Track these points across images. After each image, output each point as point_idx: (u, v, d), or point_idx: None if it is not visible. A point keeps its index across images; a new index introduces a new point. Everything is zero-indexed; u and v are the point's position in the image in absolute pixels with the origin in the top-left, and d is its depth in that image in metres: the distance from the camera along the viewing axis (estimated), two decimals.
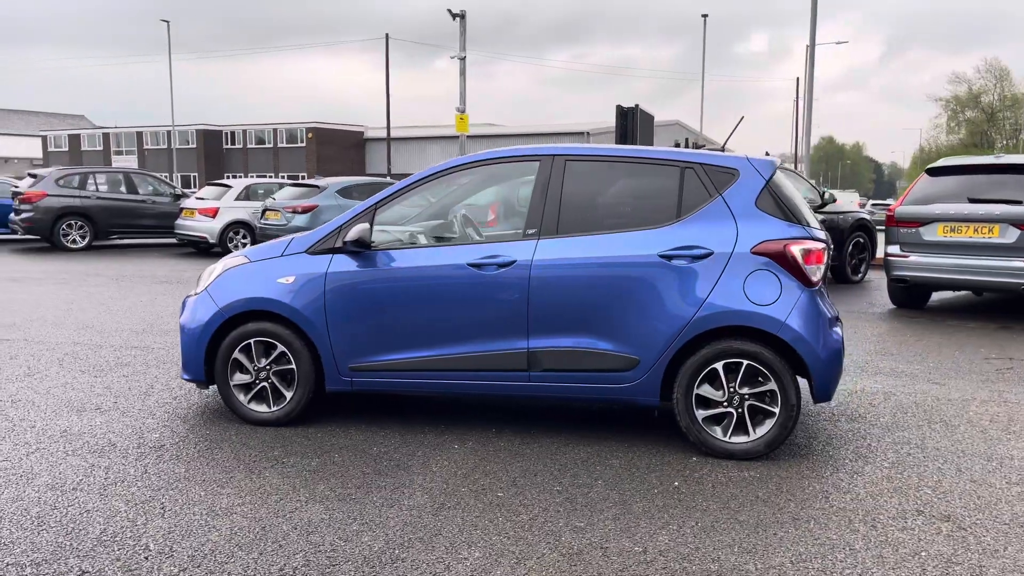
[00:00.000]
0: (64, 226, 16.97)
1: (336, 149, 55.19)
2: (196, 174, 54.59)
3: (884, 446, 4.63)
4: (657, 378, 4.42)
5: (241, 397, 4.88)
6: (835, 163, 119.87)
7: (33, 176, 17.80)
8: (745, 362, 4.32)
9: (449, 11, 21.53)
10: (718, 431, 4.39)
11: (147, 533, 3.38)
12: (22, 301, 9.76)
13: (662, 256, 4.39)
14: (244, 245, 16.06)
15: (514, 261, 4.52)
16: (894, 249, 9.47)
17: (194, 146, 55.90)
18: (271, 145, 55.75)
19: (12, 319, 8.51)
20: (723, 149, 5.13)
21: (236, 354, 4.86)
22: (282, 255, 4.87)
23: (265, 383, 4.85)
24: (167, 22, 45.85)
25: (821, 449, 4.56)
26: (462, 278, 4.59)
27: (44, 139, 64.33)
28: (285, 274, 4.79)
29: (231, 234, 16.33)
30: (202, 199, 17.00)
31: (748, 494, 3.89)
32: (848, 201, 24.36)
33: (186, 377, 5.01)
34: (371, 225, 4.73)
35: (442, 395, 4.94)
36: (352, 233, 4.65)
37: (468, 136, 22.51)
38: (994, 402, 5.57)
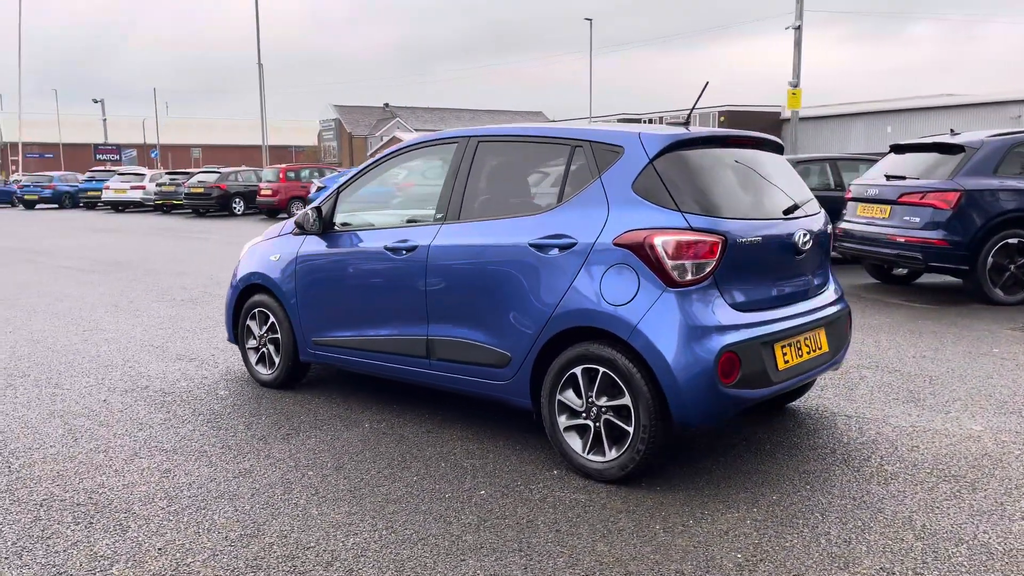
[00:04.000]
0: None
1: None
2: None
3: (815, 496, 3.61)
4: (526, 378, 4.04)
5: (252, 359, 5.58)
6: None
7: None
8: (601, 369, 3.75)
9: None
10: (577, 444, 3.87)
11: (34, 457, 4.21)
12: None
13: (532, 245, 3.99)
14: None
15: (417, 246, 4.48)
16: None
17: None
18: None
19: None
20: (687, 123, 4.32)
21: (248, 321, 5.56)
22: (279, 235, 5.42)
23: (264, 349, 5.48)
24: (590, 20, 49.07)
25: (724, 485, 3.73)
26: (380, 261, 4.67)
27: None
28: (275, 252, 5.34)
29: None
30: None
31: (522, 515, 3.43)
32: None
33: (227, 338, 5.86)
34: (328, 210, 5.02)
35: (371, 375, 5.06)
36: (297, 216, 5.04)
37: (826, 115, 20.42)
38: None
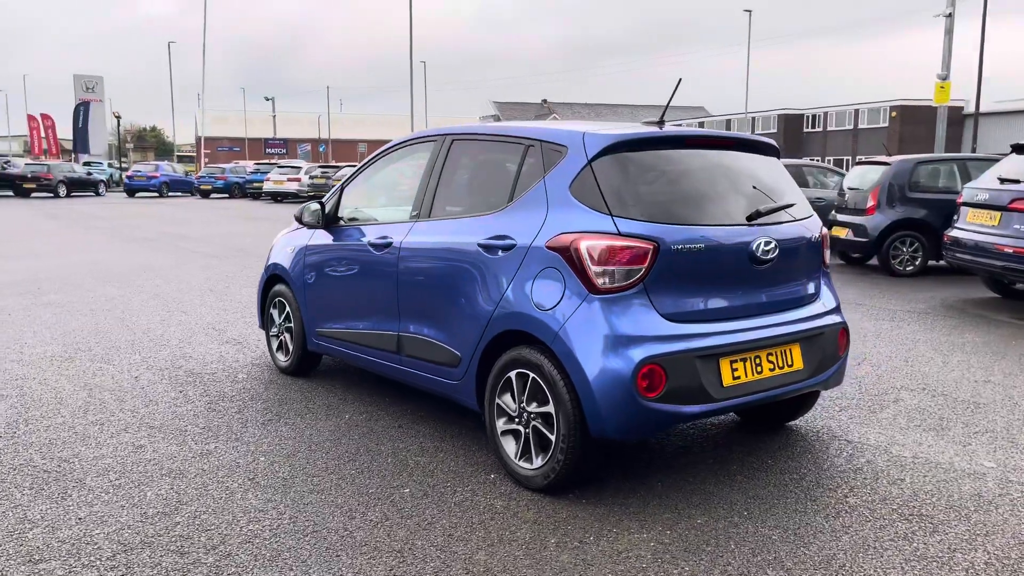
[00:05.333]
0: None
1: (925, 128, 49.97)
2: None
3: (746, 523, 3.36)
4: (472, 379, 4.00)
5: (273, 346, 5.85)
6: None
7: None
8: (531, 375, 3.65)
9: None
10: (512, 450, 3.80)
11: (41, 424, 4.61)
12: None
13: (481, 246, 3.94)
14: None
15: (391, 243, 4.53)
16: None
17: (774, 131, 56.64)
18: (851, 127, 53.23)
19: None
20: (661, 123, 4.08)
21: (271, 309, 5.83)
22: (296, 228, 5.63)
23: (282, 336, 5.72)
24: (749, 11, 47.34)
25: (655, 503, 3.55)
26: (364, 256, 4.76)
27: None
28: (292, 244, 5.56)
29: None
30: None
31: (428, 516, 3.41)
32: None
33: (258, 325, 6.16)
34: (332, 205, 5.16)
35: (361, 367, 5.16)
36: (296, 211, 5.22)
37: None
38: None
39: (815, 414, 4.82)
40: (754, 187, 3.92)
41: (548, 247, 3.60)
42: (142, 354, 6.27)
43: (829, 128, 55.04)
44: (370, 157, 5.17)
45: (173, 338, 6.85)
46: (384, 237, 4.60)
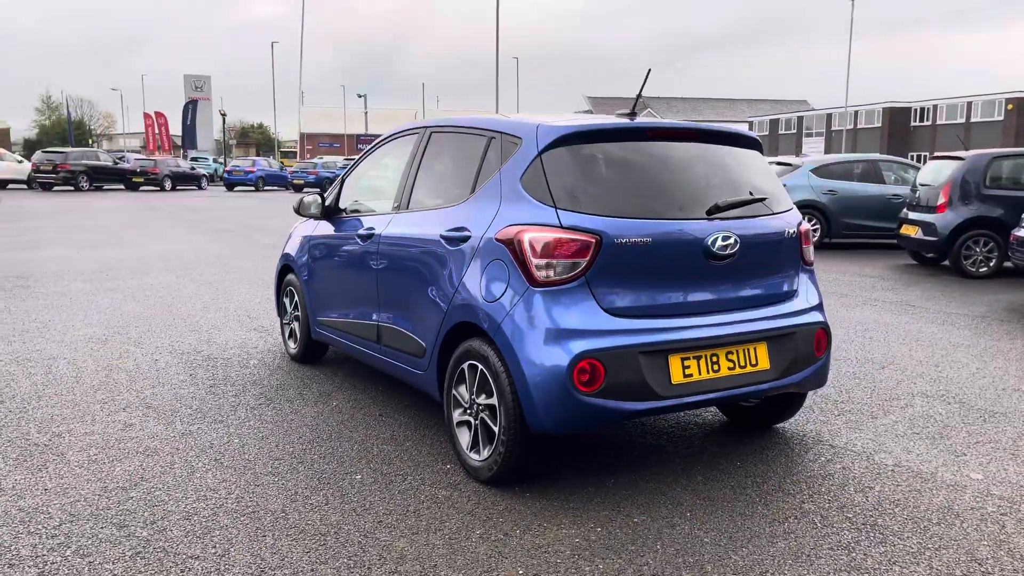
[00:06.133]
0: None
1: None
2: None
3: (684, 524, 3.27)
4: (435, 370, 4.03)
5: (285, 334, 6.03)
6: None
7: None
8: (479, 367, 3.65)
9: None
10: (465, 440, 3.81)
11: (52, 401, 4.90)
12: None
13: (443, 237, 3.96)
14: None
15: (373, 234, 4.60)
16: None
17: (878, 124, 54.27)
18: (962, 120, 50.43)
19: None
20: (632, 115, 3.97)
21: (284, 298, 6.01)
22: (306, 219, 5.78)
23: (291, 325, 5.89)
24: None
25: (599, 499, 3.49)
26: (352, 247, 4.84)
27: (750, 124, 70.43)
28: (302, 235, 5.72)
29: None
30: None
31: (367, 503, 3.45)
32: None
33: (277, 313, 6.36)
34: (333, 196, 5.28)
35: (353, 357, 5.25)
36: (294, 203, 5.35)
37: None
38: None
39: (808, 417, 4.64)
40: (721, 180, 3.79)
41: (497, 239, 3.58)
42: (171, 338, 6.57)
43: (939, 122, 52.34)
44: (367, 149, 5.26)
45: (206, 324, 7.14)
46: (370, 228, 4.68)
